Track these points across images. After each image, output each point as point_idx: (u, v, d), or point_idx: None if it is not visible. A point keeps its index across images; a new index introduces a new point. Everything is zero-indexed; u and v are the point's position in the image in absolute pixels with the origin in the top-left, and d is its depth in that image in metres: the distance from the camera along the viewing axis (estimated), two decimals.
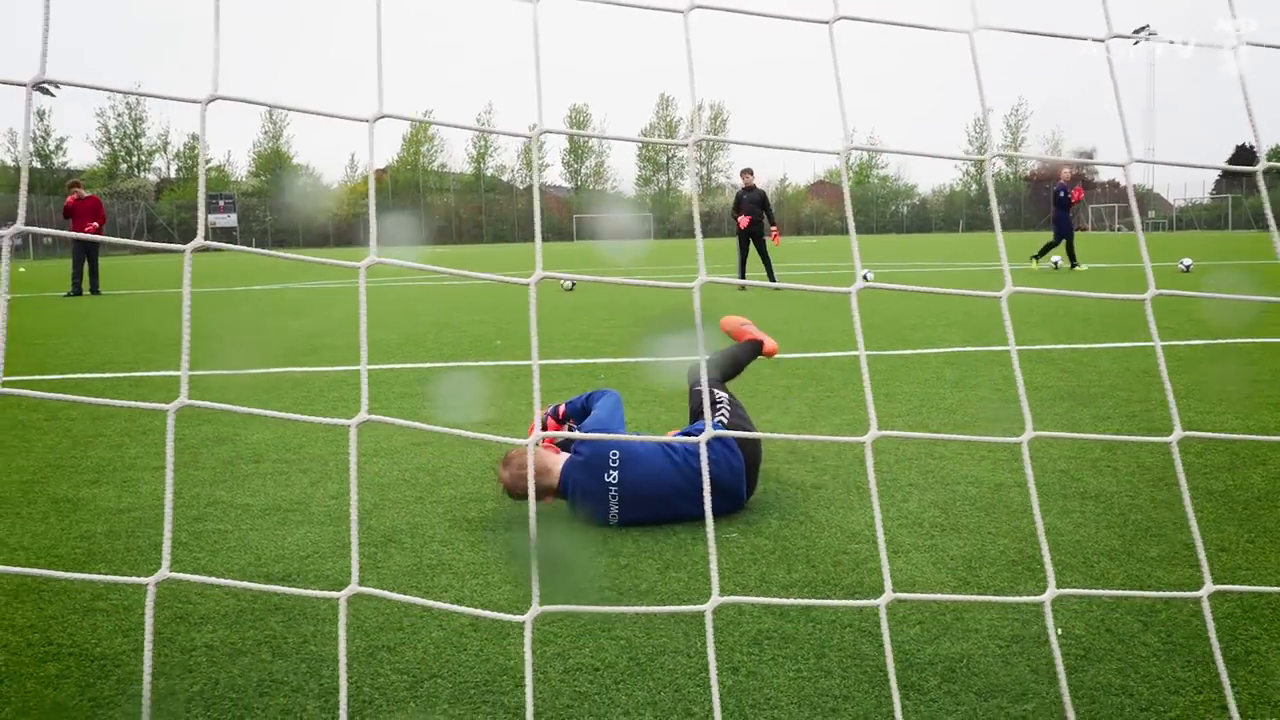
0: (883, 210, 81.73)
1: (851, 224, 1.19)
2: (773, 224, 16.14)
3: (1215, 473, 4.16)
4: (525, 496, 3.72)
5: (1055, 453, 4.49)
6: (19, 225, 1.09)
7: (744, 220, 15.81)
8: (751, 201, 15.95)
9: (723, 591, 2.93)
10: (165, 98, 1.07)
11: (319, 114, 1.11)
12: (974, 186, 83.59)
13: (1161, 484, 4.01)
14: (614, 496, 3.54)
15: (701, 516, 3.59)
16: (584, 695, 2.29)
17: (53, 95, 71.12)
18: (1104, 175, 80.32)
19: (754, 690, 2.31)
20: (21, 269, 36.58)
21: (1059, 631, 2.65)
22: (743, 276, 16.09)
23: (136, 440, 5.15)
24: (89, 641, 2.65)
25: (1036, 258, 19.61)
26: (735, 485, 3.64)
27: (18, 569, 1.06)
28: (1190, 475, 4.13)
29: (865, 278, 16.06)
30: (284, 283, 21.47)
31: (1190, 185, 74.41)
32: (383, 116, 1.08)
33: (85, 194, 18.48)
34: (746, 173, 16.26)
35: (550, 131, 1.13)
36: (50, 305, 16.13)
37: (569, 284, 16.13)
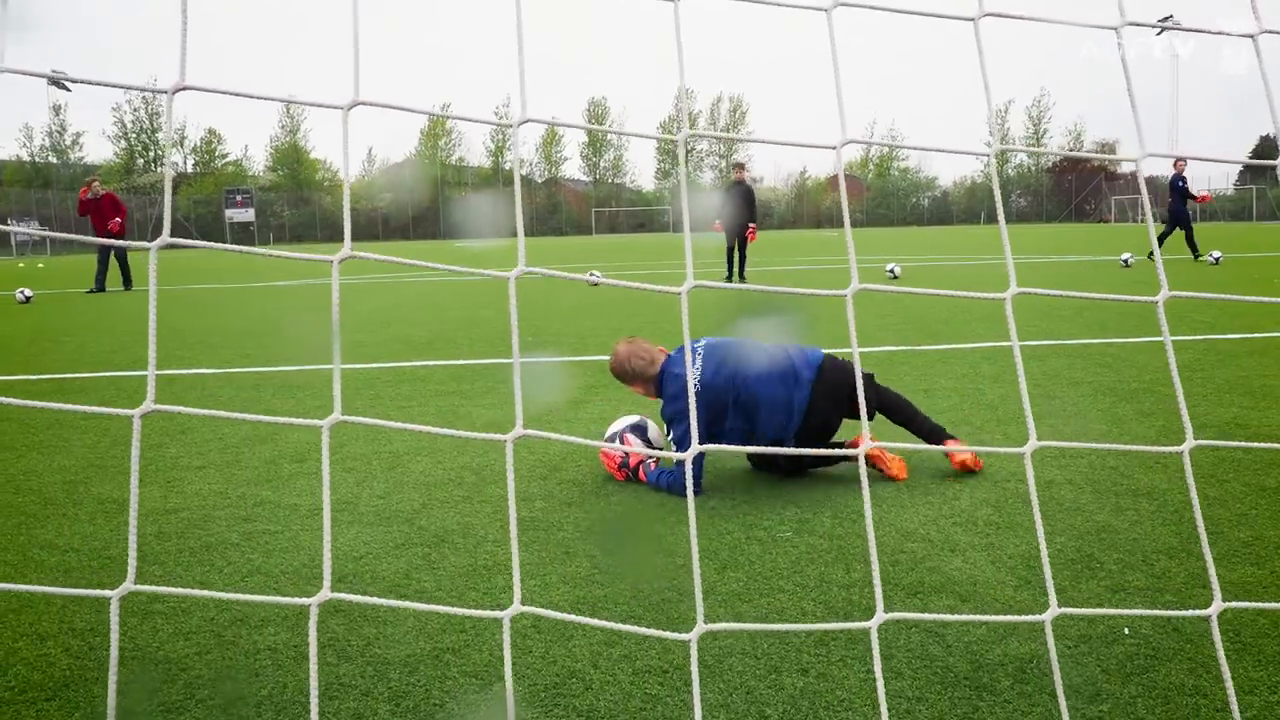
0: (903, 203, 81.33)
1: (1001, 216, 1.16)
2: (752, 220, 15.90)
3: (1266, 469, 4.11)
4: (622, 378, 4.22)
5: (1104, 450, 4.45)
6: (165, 237, 1.08)
7: (750, 227, 15.69)
8: (739, 196, 15.74)
9: (780, 591, 2.91)
10: (308, 104, 1.05)
11: (467, 119, 1.09)
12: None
13: (1213, 480, 3.96)
14: (699, 351, 4.06)
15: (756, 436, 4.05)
16: (655, 698, 2.28)
17: (68, 90, 71.45)
18: (1125, 167, 79.72)
19: (826, 692, 2.29)
20: (40, 264, 36.83)
21: (1126, 631, 2.62)
22: (741, 272, 15.87)
23: (176, 440, 5.16)
24: (150, 645, 2.65)
25: (1195, 255, 18.76)
26: (795, 388, 4.00)
27: (211, 593, 1.05)
28: (1239, 472, 4.08)
29: (892, 272, 15.95)
30: (303, 279, 21.54)
31: (1214, 177, 73.64)
32: (526, 121, 1.06)
33: (102, 190, 18.32)
34: (739, 167, 16.07)
35: (698, 135, 1.11)
36: (74, 302, 16.22)
37: (594, 279, 16.10)
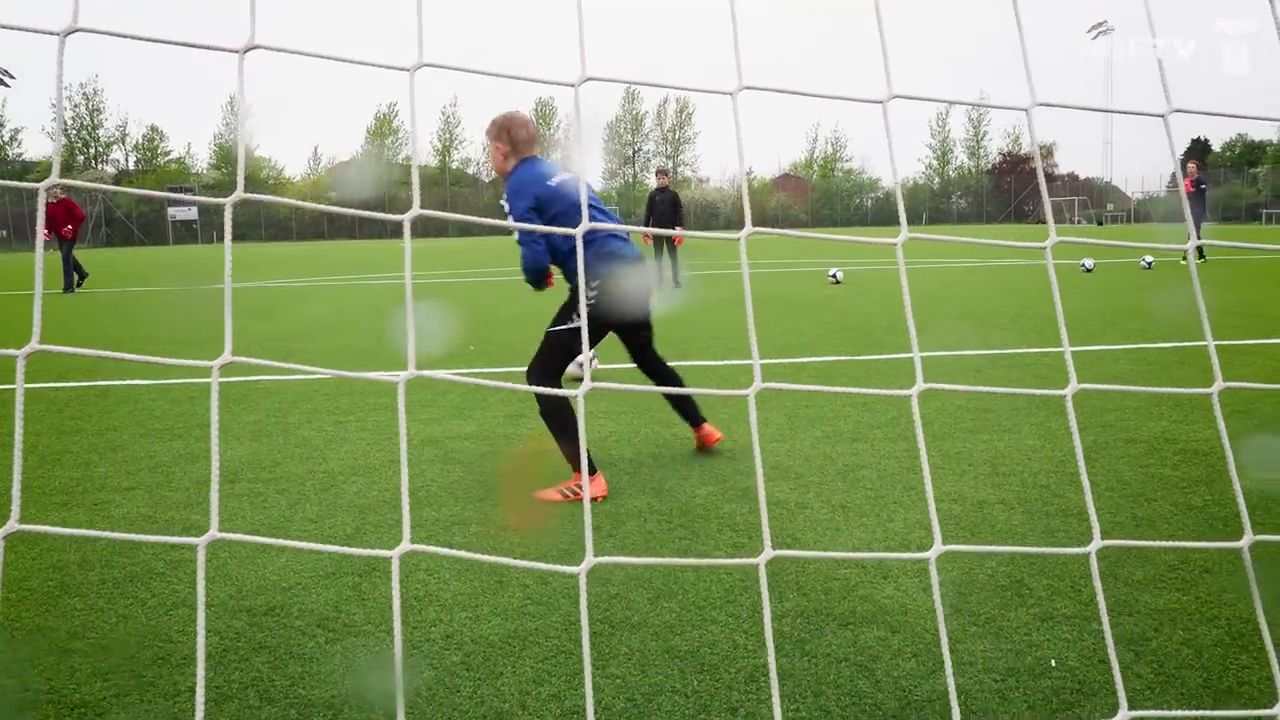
0: (847, 204, 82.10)
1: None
2: (679, 225, 15.87)
3: (1193, 487, 4.19)
4: (495, 135, 4.78)
5: (1035, 467, 4.51)
6: (33, 344, 1.03)
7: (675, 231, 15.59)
8: (665, 203, 15.68)
9: (714, 622, 2.91)
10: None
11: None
12: (936, 180, 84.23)
13: (1141, 499, 4.03)
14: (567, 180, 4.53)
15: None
16: None
17: (7, 85, 69.55)
18: (1063, 168, 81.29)
19: None
20: None
21: (1053, 664, 2.66)
22: (676, 277, 15.82)
23: (105, 458, 5.04)
24: (67, 686, 2.57)
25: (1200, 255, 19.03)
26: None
27: None
28: (1167, 490, 4.17)
29: (835, 277, 16.07)
30: (251, 280, 21.18)
31: (1148, 178, 75.48)
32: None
33: (60, 195, 18.51)
34: (660, 173, 15.98)
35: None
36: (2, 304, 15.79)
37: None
